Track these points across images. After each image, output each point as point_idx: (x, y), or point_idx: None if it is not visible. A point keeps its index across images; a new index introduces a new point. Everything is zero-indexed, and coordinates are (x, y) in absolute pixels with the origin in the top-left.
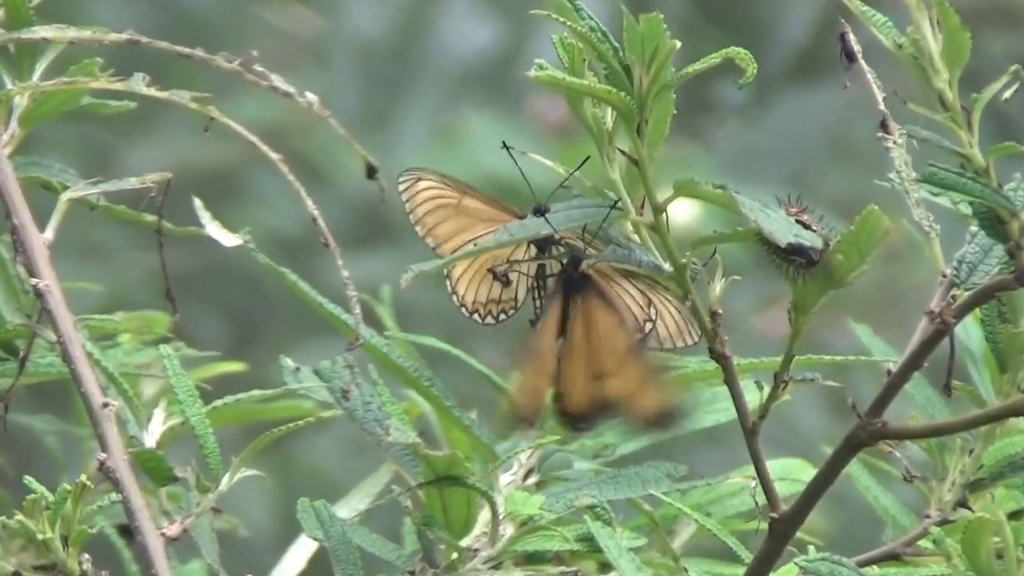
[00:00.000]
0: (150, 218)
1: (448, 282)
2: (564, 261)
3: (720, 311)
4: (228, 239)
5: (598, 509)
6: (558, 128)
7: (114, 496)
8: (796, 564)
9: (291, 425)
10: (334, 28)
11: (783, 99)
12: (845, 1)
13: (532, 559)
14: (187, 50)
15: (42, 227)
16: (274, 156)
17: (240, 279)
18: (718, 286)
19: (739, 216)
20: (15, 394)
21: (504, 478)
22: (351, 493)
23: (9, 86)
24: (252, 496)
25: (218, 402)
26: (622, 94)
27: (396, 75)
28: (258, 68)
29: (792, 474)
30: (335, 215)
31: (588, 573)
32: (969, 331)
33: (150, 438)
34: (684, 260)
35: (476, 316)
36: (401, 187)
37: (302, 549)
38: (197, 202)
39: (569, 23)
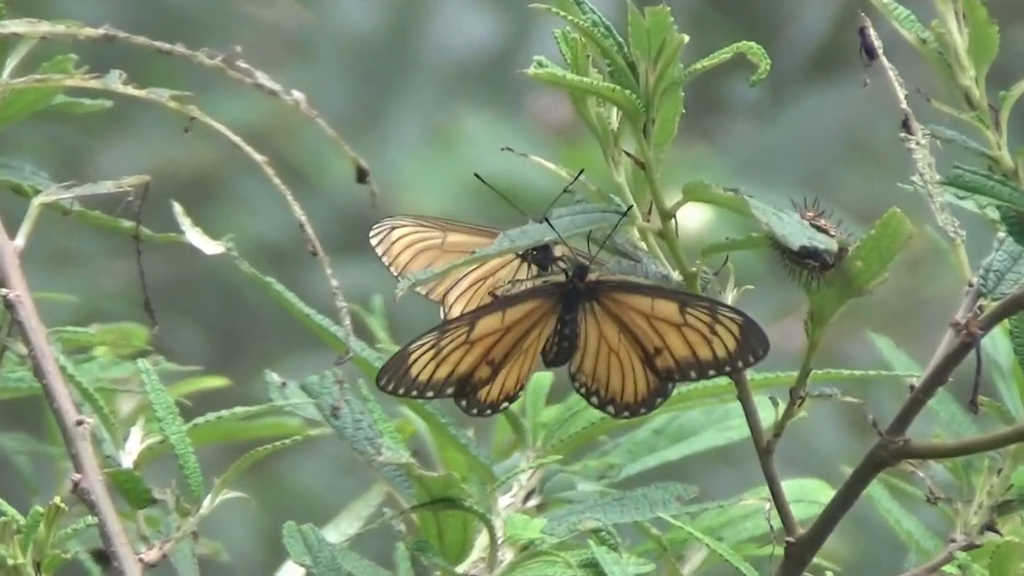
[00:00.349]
0: (127, 224)
1: (442, 309)
2: (570, 273)
3: None
4: (210, 246)
5: (603, 533)
6: (560, 129)
7: (89, 519)
8: None
9: (277, 444)
10: (322, 22)
11: (799, 97)
12: None
13: None
14: (166, 46)
15: (12, 234)
16: (259, 158)
17: (222, 289)
18: (730, 296)
19: (752, 221)
20: None
21: (503, 500)
22: (340, 516)
23: None
24: (235, 519)
25: (199, 419)
26: (627, 92)
27: (388, 72)
28: (241, 65)
29: (809, 495)
30: (323, 221)
31: None
32: (997, 344)
33: (127, 458)
34: (694, 269)
35: None
36: (374, 240)
37: None
38: (177, 207)
39: (570, 17)
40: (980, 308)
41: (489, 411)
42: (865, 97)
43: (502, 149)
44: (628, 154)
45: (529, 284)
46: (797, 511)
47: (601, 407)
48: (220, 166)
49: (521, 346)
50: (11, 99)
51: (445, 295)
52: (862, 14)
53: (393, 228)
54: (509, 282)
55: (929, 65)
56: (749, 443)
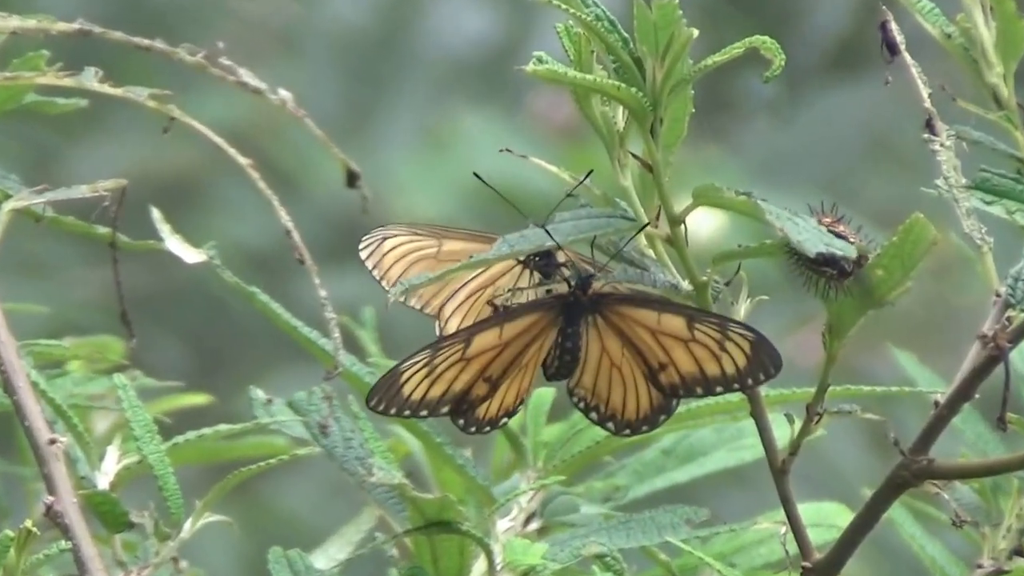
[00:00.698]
0: (103, 231)
1: (437, 323)
2: (573, 283)
3: None
4: (191, 254)
5: (608, 559)
6: (563, 129)
7: (63, 544)
8: None
9: (262, 464)
10: (310, 16)
11: (817, 96)
12: None
13: None
14: (145, 41)
15: None
16: (242, 161)
17: (204, 300)
18: (743, 307)
19: (766, 227)
20: None
21: (502, 524)
22: (329, 541)
23: None
24: (217, 544)
25: (179, 438)
26: (633, 90)
27: (380, 69)
28: (224, 62)
29: (827, 519)
30: (311, 227)
31: None
32: None
33: (103, 479)
34: (705, 278)
35: None
36: (364, 253)
37: None
38: (156, 213)
39: (573, 10)
40: (1008, 320)
41: (488, 428)
42: (887, 96)
43: (501, 150)
44: (635, 156)
45: (531, 293)
46: (814, 535)
47: (600, 423)
48: (202, 169)
49: (521, 360)
50: None
51: (441, 308)
52: (884, 7)
53: (384, 239)
54: (510, 290)
55: (954, 61)
56: (763, 463)
